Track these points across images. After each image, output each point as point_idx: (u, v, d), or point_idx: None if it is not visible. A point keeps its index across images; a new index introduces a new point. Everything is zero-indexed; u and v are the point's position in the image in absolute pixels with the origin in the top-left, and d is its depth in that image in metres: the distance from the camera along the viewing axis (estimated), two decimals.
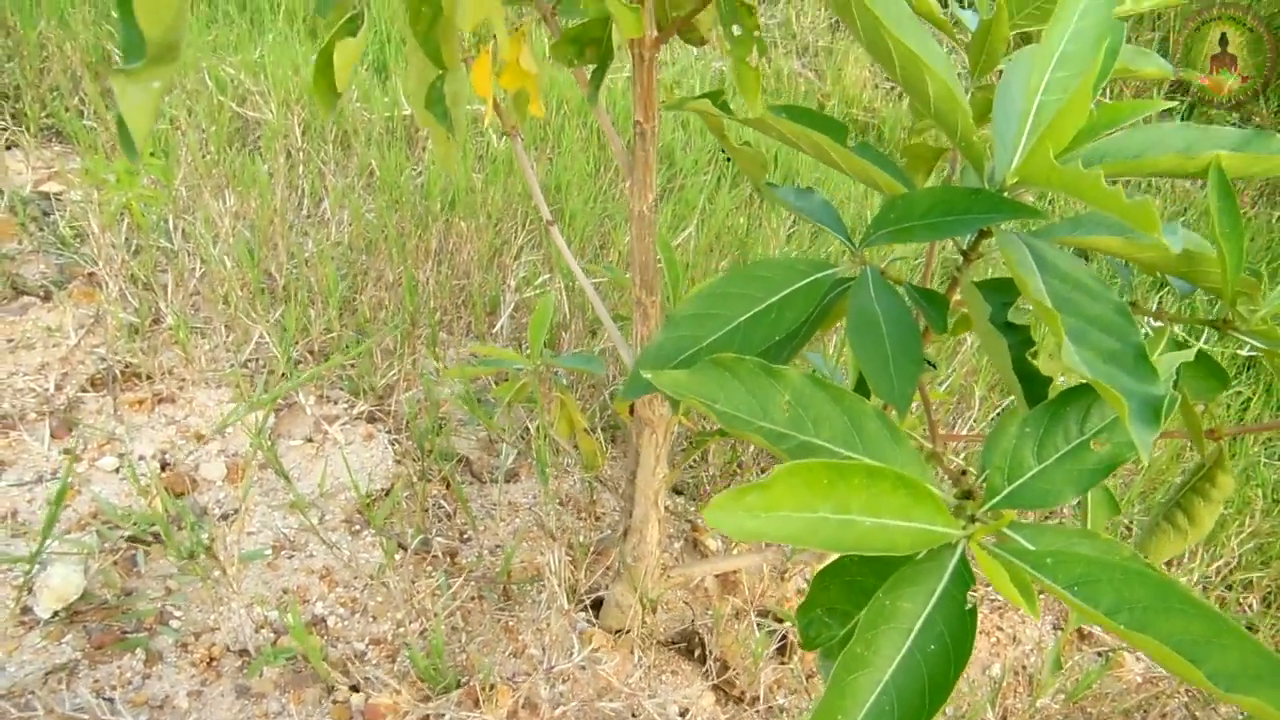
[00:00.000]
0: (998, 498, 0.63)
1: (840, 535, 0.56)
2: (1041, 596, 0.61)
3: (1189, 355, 0.64)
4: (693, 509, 1.47)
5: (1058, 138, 0.67)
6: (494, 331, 1.73)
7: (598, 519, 1.41)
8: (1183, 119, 3.28)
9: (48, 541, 1.15)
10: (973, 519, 0.64)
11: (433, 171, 2.10)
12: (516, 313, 1.76)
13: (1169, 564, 1.59)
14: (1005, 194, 0.74)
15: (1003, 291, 0.79)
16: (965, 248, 0.81)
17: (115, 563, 1.22)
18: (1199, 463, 0.93)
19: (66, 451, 1.38)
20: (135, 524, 1.25)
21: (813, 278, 0.79)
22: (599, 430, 1.52)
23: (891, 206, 0.77)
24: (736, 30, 0.79)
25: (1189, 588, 0.59)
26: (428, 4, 0.89)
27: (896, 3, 0.68)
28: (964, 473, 0.72)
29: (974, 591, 0.61)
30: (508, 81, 1.01)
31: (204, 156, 2.08)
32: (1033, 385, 0.70)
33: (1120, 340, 0.63)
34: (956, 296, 0.87)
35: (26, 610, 1.14)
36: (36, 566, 1.16)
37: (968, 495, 0.67)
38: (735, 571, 1.36)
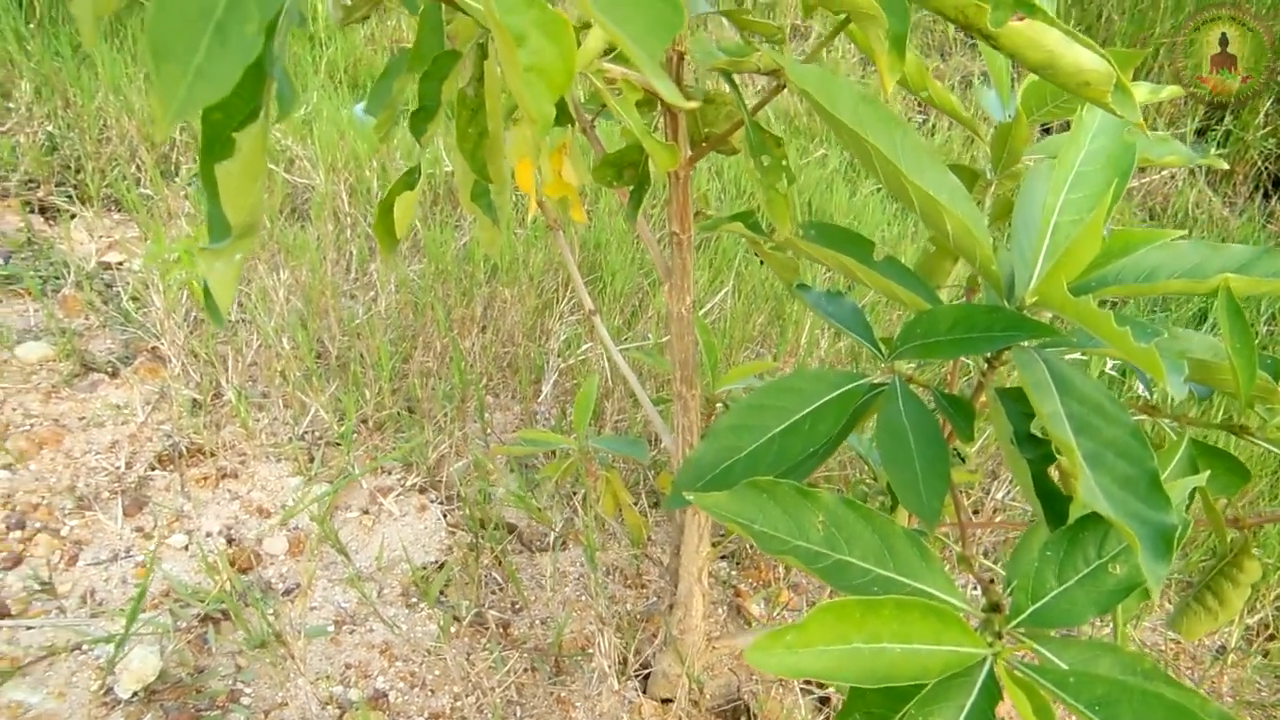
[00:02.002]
0: (1022, 616, 0.67)
1: (873, 664, 0.61)
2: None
3: (1202, 480, 0.68)
4: (736, 575, 1.51)
5: (1070, 268, 0.72)
6: (539, 400, 1.78)
7: (644, 586, 1.46)
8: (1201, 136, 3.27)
9: (132, 625, 1.22)
10: (999, 635, 0.69)
11: (476, 233, 2.17)
12: (561, 378, 1.81)
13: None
14: (1024, 312, 0.78)
15: (1027, 401, 0.83)
16: (989, 355, 0.85)
17: (188, 641, 1.29)
18: (1225, 549, 0.96)
19: (139, 530, 1.45)
20: (204, 602, 1.32)
21: (844, 389, 0.84)
22: (642, 497, 1.57)
23: (917, 322, 0.82)
24: (765, 160, 0.84)
25: (1205, 699, 0.63)
26: (474, 125, 0.94)
27: (912, 145, 0.73)
28: (992, 581, 0.76)
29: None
30: (550, 191, 1.06)
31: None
32: (1054, 503, 0.73)
33: (1135, 465, 0.66)
34: (984, 398, 0.91)
35: (108, 691, 1.21)
36: (121, 649, 1.23)
37: (995, 608, 0.71)
38: None
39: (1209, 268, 0.77)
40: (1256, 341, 0.84)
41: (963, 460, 1.00)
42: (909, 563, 0.71)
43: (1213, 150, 3.32)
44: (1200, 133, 3.39)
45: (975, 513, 1.65)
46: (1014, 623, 0.68)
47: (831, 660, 0.60)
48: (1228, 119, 3.36)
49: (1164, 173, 3.30)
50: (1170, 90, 1.06)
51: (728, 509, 0.73)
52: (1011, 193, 1.05)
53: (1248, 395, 0.76)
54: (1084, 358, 1.51)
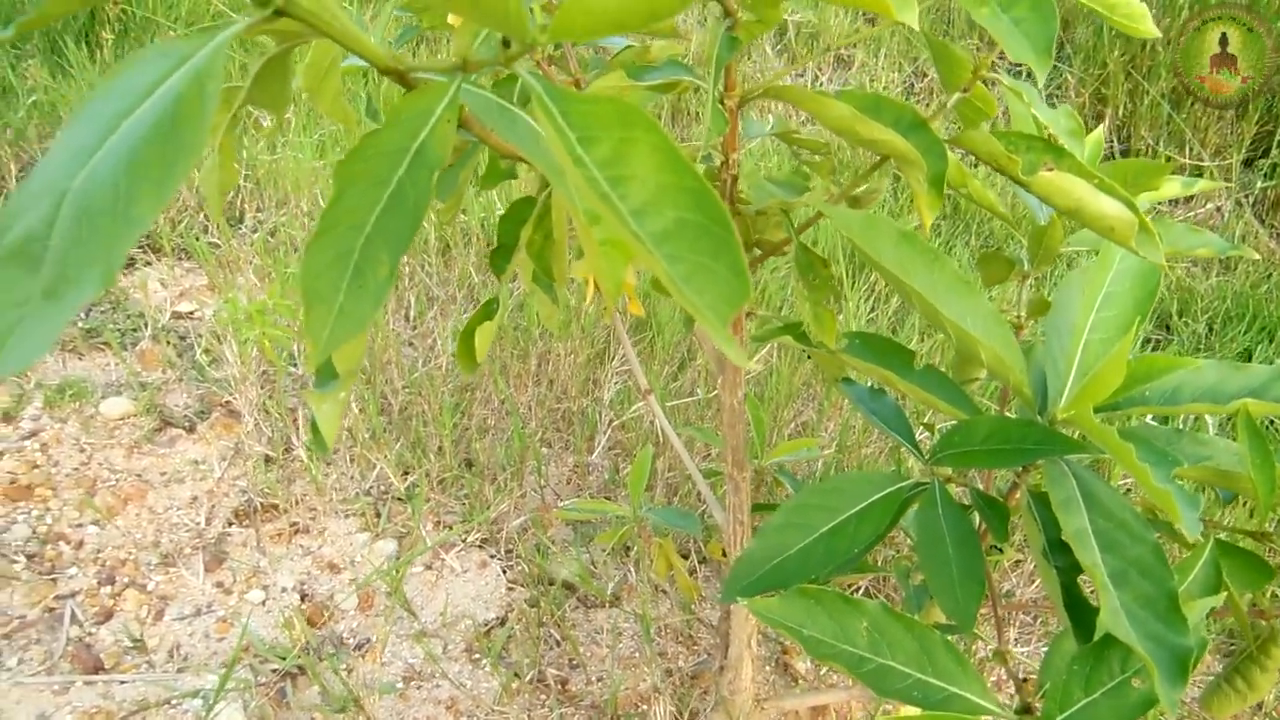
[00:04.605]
0: None
1: None
2: None
3: (1218, 601, 0.74)
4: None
5: (1096, 393, 0.77)
6: (593, 455, 1.86)
7: (695, 643, 1.53)
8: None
9: (223, 687, 1.31)
10: None
11: (533, 303, 2.25)
12: (614, 432, 1.89)
13: None
14: (1056, 426, 0.84)
15: None
16: None
17: (269, 697, 1.37)
18: (1251, 640, 1.00)
19: (219, 585, 1.55)
20: (284, 659, 1.41)
21: (886, 491, 0.90)
22: (693, 555, 1.64)
23: (955, 431, 0.88)
24: (813, 279, 0.91)
25: None
26: (539, 230, 1.02)
27: (948, 278, 0.79)
28: (1025, 680, 0.82)
29: None
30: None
31: None
32: (1081, 615, 0.79)
33: (1155, 585, 0.72)
34: (1018, 496, 0.97)
35: None
36: (214, 707, 1.32)
37: (1027, 709, 0.77)
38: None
39: (1229, 387, 0.82)
40: None
41: (1000, 552, 1.06)
42: (946, 668, 0.77)
43: (1259, 183, 3.32)
44: (1247, 163, 3.39)
45: (1018, 563, 1.70)
46: None
47: None
48: (1274, 151, 3.36)
49: (1209, 205, 3.29)
50: (1202, 185, 1.11)
51: (778, 614, 0.80)
52: (1047, 287, 1.11)
53: (1267, 507, 0.81)
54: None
